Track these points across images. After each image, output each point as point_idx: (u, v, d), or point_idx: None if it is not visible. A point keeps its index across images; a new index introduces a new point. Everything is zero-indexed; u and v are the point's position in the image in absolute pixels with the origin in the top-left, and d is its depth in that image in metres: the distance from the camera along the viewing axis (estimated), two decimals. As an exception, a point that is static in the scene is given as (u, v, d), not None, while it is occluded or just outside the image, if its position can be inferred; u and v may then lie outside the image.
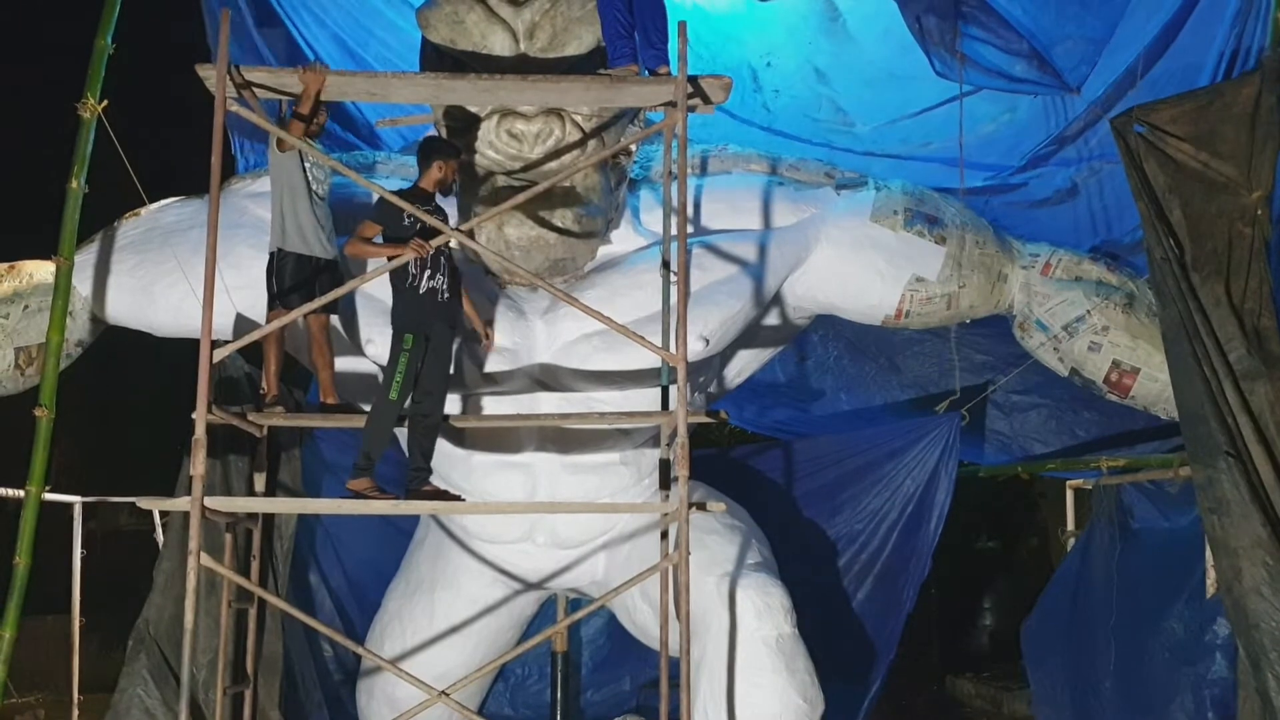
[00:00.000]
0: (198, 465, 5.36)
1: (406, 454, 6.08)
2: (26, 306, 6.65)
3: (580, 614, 6.44)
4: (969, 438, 7.85)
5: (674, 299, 5.85)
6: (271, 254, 6.20)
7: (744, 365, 7.43)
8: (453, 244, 6.02)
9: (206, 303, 5.56)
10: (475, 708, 7.54)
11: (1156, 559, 7.09)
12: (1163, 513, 7.18)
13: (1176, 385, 5.76)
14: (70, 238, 6.58)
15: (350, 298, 6.58)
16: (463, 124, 6.40)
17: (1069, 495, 8.14)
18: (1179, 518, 6.95)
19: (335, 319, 6.44)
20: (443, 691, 5.50)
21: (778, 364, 8.18)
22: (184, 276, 6.65)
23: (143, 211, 7.07)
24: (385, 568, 7.57)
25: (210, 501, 5.51)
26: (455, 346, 6.25)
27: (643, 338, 5.77)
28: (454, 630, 7.13)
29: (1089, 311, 6.81)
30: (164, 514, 8.03)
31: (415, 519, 7.52)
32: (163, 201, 7.12)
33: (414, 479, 5.95)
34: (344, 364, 6.56)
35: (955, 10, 6.43)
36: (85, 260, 6.79)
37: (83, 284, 6.77)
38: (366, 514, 6.70)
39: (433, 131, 6.59)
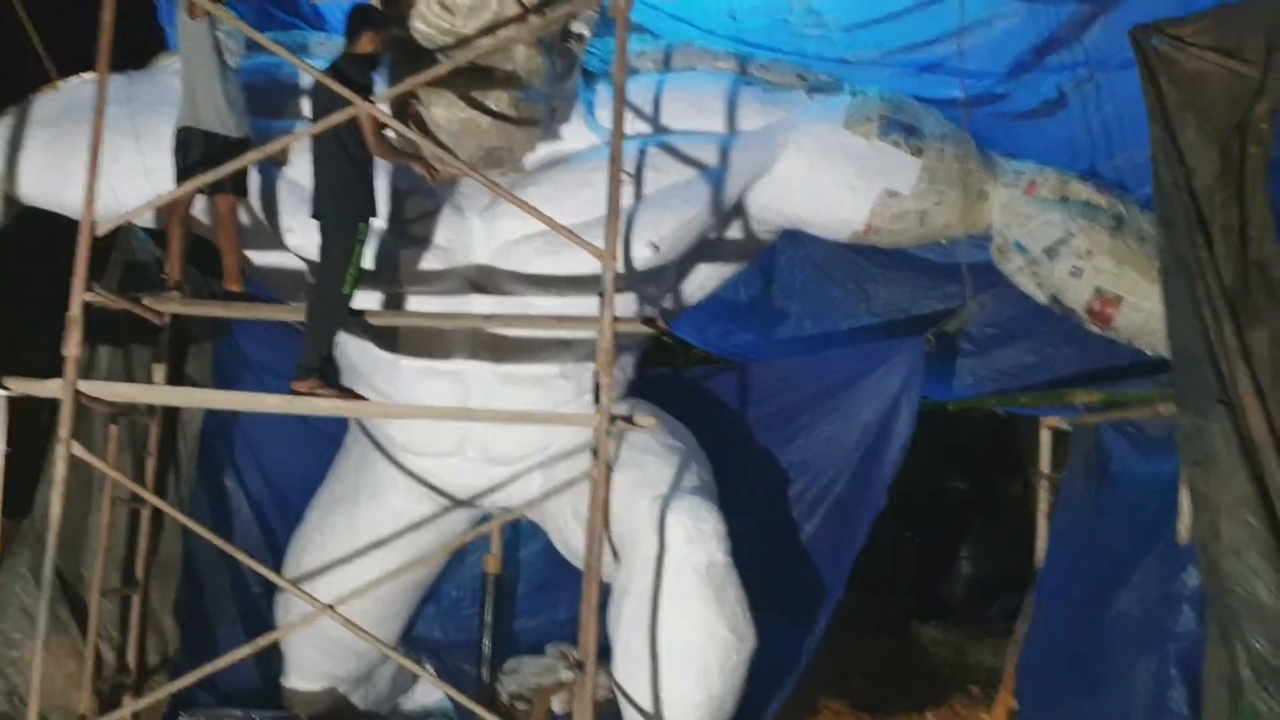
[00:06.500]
0: (72, 346, 4.97)
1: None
2: (-66, 187, 6.20)
3: (484, 528, 6.19)
4: (939, 371, 7.36)
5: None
6: (178, 130, 5.79)
7: (703, 280, 6.95)
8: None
9: (91, 168, 5.18)
10: (400, 629, 7.23)
11: (1133, 505, 6.64)
12: (1143, 455, 6.71)
13: (1172, 324, 5.25)
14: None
15: (272, 184, 6.14)
16: (397, -5, 5.88)
17: (1044, 435, 7.65)
18: (1160, 462, 6.48)
19: (257, 206, 5.99)
20: (329, 605, 5.08)
21: (741, 285, 7.67)
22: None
23: (60, 85, 6.59)
24: (312, 477, 7.15)
25: (85, 386, 5.09)
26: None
27: (579, 237, 5.29)
28: (377, 545, 6.72)
29: (1072, 234, 6.27)
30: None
31: (344, 425, 7.09)
32: (80, 76, 6.59)
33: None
34: (271, 258, 6.15)
35: None
36: None
37: (-5, 159, 6.30)
38: (261, 410, 6.25)
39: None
